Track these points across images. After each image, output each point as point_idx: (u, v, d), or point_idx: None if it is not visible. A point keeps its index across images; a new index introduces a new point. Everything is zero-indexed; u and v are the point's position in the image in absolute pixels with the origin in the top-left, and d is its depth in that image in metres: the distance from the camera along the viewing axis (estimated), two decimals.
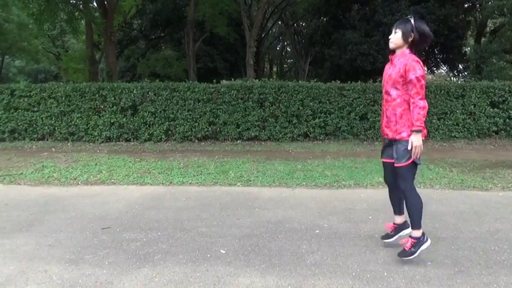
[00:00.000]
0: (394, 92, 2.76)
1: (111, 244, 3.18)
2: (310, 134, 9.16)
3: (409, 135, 2.68)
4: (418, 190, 2.86)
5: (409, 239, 2.79)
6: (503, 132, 9.28)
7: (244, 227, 3.57)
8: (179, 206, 4.23)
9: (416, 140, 2.64)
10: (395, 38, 2.76)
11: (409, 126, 2.69)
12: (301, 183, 5.25)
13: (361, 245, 3.14)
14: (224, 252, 3.01)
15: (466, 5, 17.82)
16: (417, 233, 2.77)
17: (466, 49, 19.96)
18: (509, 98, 9.20)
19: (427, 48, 16.81)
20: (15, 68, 33.81)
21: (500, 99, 9.23)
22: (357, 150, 8.06)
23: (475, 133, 9.21)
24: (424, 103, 2.61)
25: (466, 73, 18.23)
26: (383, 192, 4.65)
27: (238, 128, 9.13)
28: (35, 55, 26.67)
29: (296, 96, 9.06)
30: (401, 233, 3.00)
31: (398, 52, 2.79)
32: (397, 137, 2.74)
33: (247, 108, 9.09)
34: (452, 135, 9.16)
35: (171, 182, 5.32)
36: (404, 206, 2.87)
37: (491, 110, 9.21)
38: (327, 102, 9.10)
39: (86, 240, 3.27)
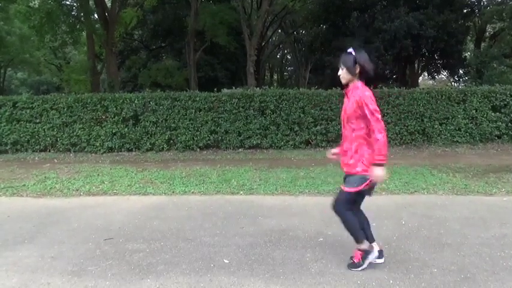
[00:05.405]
0: (350, 127, 2.74)
1: (114, 255, 3.16)
2: (312, 141, 9.15)
3: (363, 170, 2.64)
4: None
5: (357, 251, 2.81)
6: (505, 136, 9.24)
7: (248, 235, 3.55)
8: (182, 216, 4.21)
9: (377, 172, 2.57)
10: (344, 73, 2.75)
11: (362, 162, 2.65)
12: (304, 190, 5.23)
13: None
14: (228, 261, 3.00)
15: (465, 11, 17.89)
16: (363, 246, 2.79)
17: (466, 54, 20.01)
18: (510, 102, 9.17)
19: (428, 54, 16.94)
20: (17, 80, 34.06)
21: (501, 103, 9.20)
22: None
23: (477, 138, 9.17)
24: (382, 137, 2.56)
25: (466, 78, 18.26)
26: (385, 199, 4.63)
27: (240, 136, 9.13)
28: (36, 67, 26.87)
29: (297, 103, 9.07)
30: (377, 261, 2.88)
31: (350, 85, 2.76)
32: (352, 171, 2.70)
33: (248, 116, 9.10)
34: (455, 140, 9.12)
35: (173, 192, 5.31)
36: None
37: (493, 114, 9.18)
38: (328, 109, 9.09)
39: (89, 251, 3.26)
